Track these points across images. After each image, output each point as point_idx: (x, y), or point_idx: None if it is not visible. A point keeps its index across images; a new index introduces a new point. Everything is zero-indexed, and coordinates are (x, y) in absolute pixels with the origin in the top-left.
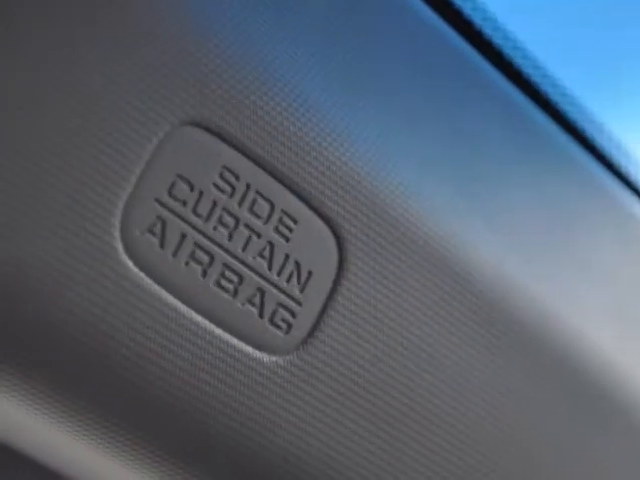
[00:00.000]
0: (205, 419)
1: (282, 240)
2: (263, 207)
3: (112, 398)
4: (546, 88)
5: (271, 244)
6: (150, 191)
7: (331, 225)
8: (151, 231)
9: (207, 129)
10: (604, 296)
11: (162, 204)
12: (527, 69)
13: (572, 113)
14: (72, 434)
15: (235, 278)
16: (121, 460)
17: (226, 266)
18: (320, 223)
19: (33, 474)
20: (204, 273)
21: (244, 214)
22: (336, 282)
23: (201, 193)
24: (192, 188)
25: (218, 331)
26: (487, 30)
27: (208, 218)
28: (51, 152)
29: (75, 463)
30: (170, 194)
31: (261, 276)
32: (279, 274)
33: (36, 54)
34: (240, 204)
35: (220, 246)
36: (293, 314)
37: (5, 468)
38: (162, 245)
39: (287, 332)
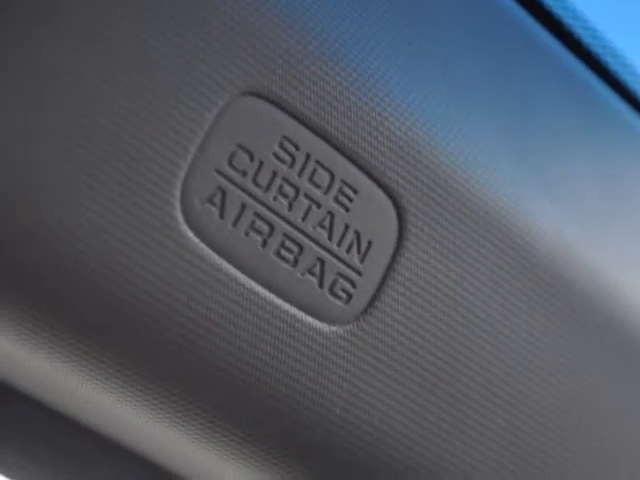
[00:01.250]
0: (264, 389)
1: (342, 210)
2: (323, 177)
3: (170, 368)
4: (606, 58)
5: (331, 214)
6: (210, 161)
7: (391, 195)
8: (211, 201)
9: (267, 99)
10: None
11: (222, 174)
12: (587, 39)
13: (633, 83)
14: (127, 402)
15: (295, 248)
16: (180, 430)
17: (286, 236)
18: (380, 193)
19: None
20: (264, 243)
21: (304, 184)
22: (396, 252)
23: (261, 163)
24: (252, 158)
25: (278, 301)
26: (547, 0)
27: (268, 188)
28: (112, 122)
29: (130, 429)
30: (230, 164)
31: (321, 246)
32: (339, 244)
33: (102, 22)
34: (300, 174)
35: (280, 216)
36: (353, 284)
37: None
38: (222, 215)
39: (347, 302)
